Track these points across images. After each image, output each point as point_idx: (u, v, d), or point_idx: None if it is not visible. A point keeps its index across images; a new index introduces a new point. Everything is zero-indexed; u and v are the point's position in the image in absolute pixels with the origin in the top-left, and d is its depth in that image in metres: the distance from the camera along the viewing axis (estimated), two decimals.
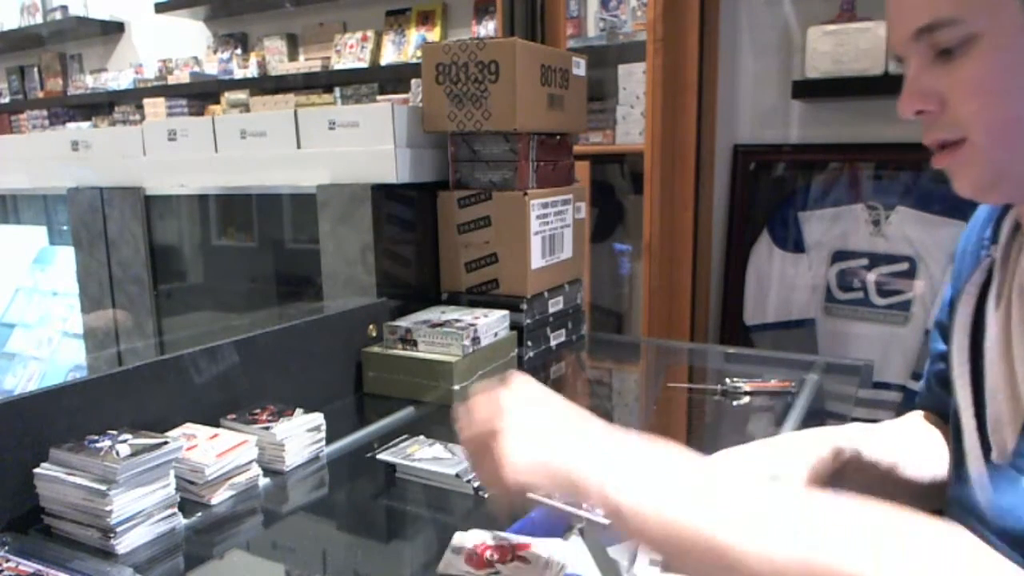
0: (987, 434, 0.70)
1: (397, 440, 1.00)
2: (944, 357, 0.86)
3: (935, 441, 0.87)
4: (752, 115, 2.45)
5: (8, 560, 0.69)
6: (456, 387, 1.18)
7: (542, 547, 0.70)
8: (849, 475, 0.79)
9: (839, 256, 2.29)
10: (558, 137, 1.51)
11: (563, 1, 2.53)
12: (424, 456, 0.94)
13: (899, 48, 0.66)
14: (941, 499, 0.85)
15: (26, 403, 0.79)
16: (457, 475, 0.88)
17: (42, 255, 2.14)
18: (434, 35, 3.34)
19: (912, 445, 0.86)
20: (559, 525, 0.72)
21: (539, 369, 1.40)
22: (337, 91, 3.50)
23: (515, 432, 0.59)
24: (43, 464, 0.77)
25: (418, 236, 1.44)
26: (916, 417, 0.92)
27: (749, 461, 0.77)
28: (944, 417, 0.87)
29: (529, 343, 1.40)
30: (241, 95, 3.80)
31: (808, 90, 2.22)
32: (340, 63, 3.51)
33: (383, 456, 0.95)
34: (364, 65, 3.44)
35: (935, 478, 0.84)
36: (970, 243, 0.83)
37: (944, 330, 0.88)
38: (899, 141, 2.18)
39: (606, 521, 0.56)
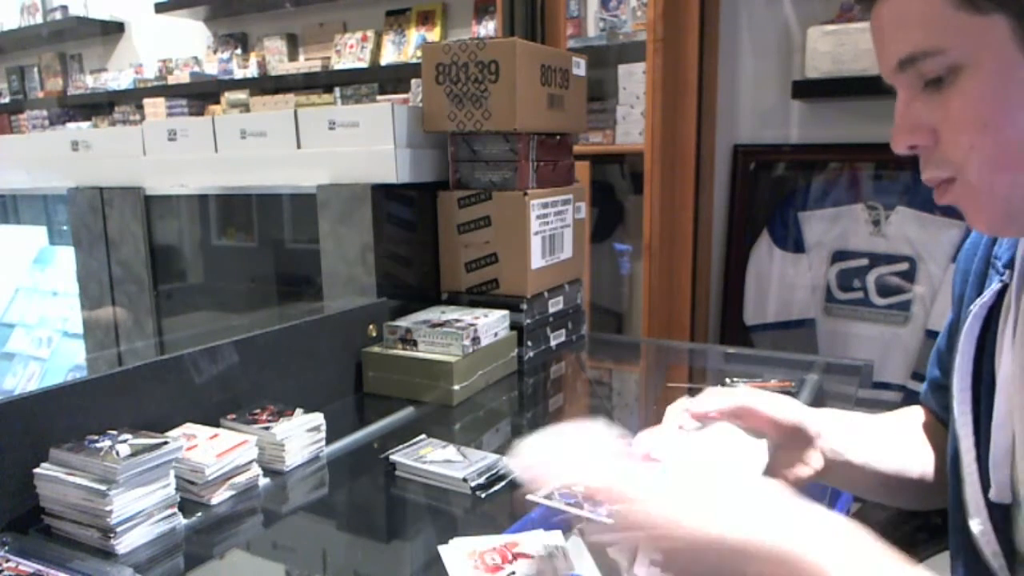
0: (987, 469, 0.68)
1: (412, 441, 0.99)
2: (944, 387, 0.82)
3: (913, 437, 0.86)
4: (752, 115, 2.45)
5: (8, 560, 0.69)
6: (456, 387, 1.18)
7: (542, 540, 0.70)
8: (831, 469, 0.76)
9: (839, 256, 2.29)
10: (558, 137, 1.51)
11: (563, 1, 2.53)
12: (436, 458, 0.94)
13: (887, 78, 0.64)
14: (906, 493, 0.84)
15: (26, 403, 0.79)
16: (464, 479, 0.88)
17: (42, 255, 2.14)
18: (434, 35, 3.34)
19: (884, 439, 0.84)
20: (559, 524, 0.72)
21: (539, 369, 1.40)
22: (337, 91, 3.50)
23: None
24: (43, 464, 0.77)
25: (418, 236, 1.44)
26: (911, 413, 0.90)
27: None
28: (942, 422, 0.86)
29: (529, 343, 1.40)
30: (241, 95, 3.80)
31: (808, 90, 2.22)
32: (340, 63, 3.51)
33: (396, 457, 0.94)
34: (364, 65, 3.44)
35: (900, 472, 0.82)
36: (974, 263, 0.77)
37: (943, 360, 0.84)
38: None
39: (607, 521, 0.56)
